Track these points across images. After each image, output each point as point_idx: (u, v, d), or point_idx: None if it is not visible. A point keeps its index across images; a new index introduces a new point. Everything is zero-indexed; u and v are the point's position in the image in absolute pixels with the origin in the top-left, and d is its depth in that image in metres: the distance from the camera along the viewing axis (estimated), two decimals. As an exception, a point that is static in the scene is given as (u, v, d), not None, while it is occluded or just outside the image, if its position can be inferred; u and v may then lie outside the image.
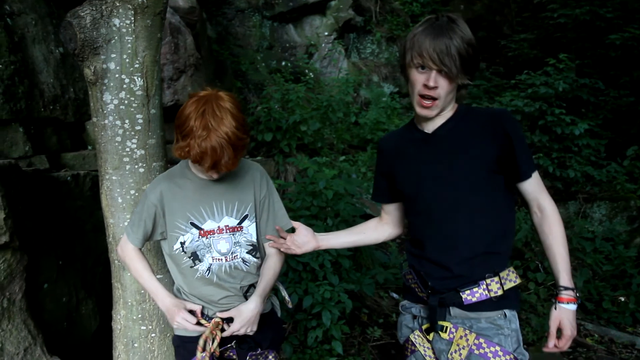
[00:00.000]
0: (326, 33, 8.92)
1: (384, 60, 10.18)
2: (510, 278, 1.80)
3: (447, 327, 1.81)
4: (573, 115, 6.55)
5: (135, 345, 2.32)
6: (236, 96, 1.87)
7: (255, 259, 1.97)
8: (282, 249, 2.03)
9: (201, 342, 1.86)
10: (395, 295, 4.71)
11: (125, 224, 2.23)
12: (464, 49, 1.68)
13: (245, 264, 1.94)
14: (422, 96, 1.75)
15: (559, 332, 1.76)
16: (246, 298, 1.97)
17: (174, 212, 1.86)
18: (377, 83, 9.73)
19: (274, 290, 2.16)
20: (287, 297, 2.14)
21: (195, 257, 1.89)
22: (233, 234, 1.90)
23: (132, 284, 2.29)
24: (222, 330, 1.90)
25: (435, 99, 1.75)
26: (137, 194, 2.22)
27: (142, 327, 2.32)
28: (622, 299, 5.02)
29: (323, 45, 8.84)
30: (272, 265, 2.02)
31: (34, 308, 2.18)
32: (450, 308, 1.81)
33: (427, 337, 1.88)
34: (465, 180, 1.78)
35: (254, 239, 1.95)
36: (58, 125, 2.70)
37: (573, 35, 7.75)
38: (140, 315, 2.30)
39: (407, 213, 2.01)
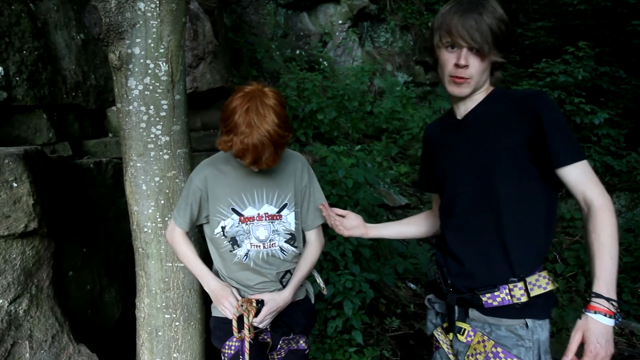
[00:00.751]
0: (340, 21, 8.84)
1: (398, 49, 10.07)
2: (540, 284, 1.61)
3: (465, 329, 1.70)
4: (592, 104, 6.43)
5: (159, 333, 2.31)
6: (280, 92, 1.86)
7: (293, 248, 1.99)
8: (329, 222, 1.99)
9: (234, 323, 1.89)
10: (412, 285, 4.68)
11: (150, 211, 2.22)
12: (495, 25, 1.57)
13: (283, 252, 1.97)
14: (453, 76, 1.64)
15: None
16: (282, 284, 2.00)
17: (217, 197, 1.91)
18: (391, 72, 9.64)
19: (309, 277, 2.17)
20: (322, 284, 2.17)
21: (234, 242, 1.93)
22: (272, 222, 1.93)
23: (156, 272, 2.27)
24: (257, 310, 1.92)
25: (467, 78, 1.64)
26: (161, 181, 2.20)
27: (166, 316, 2.30)
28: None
29: (337, 33, 8.76)
30: (310, 256, 2.05)
31: (60, 295, 2.18)
32: (470, 309, 1.69)
33: (447, 336, 1.80)
34: (490, 169, 1.63)
35: (293, 228, 1.97)
36: (80, 112, 2.68)
37: (593, 22, 7.60)
38: (164, 304, 2.29)
39: (440, 202, 1.89)
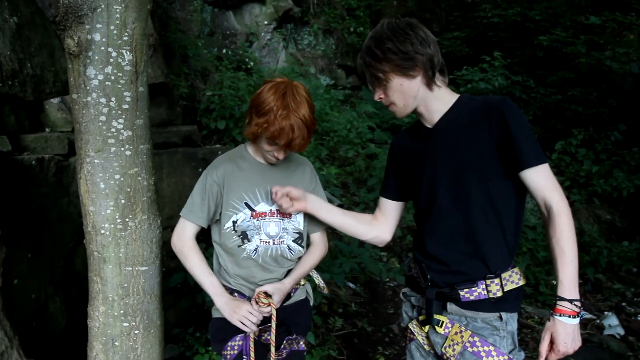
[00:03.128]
0: (265, 22, 8.78)
1: (321, 52, 10.20)
2: (513, 279, 1.74)
3: (443, 321, 1.79)
4: (507, 111, 6.89)
5: (116, 343, 2.13)
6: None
7: (300, 248, 2.03)
8: (277, 201, 1.93)
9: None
10: (351, 284, 4.74)
11: (108, 211, 2.05)
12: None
13: (290, 251, 2.00)
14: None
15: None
16: None
17: (232, 191, 1.93)
18: (314, 75, 9.72)
19: (307, 278, 2.19)
20: (321, 284, 2.18)
21: (244, 236, 1.94)
22: (282, 220, 1.97)
23: (114, 278, 2.10)
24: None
25: (389, 104, 1.81)
26: (122, 179, 2.04)
27: (125, 324, 2.14)
28: (555, 282, 5.39)
29: (262, 34, 8.69)
30: (314, 255, 2.09)
31: (7, 307, 1.93)
32: (448, 303, 1.79)
33: (423, 328, 1.88)
34: (463, 173, 1.74)
35: (301, 227, 2.02)
36: (16, 103, 2.39)
37: (505, 35, 8.20)
38: (122, 311, 2.12)
39: (414, 207, 2.00)
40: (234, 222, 1.93)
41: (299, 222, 2.01)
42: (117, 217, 2.06)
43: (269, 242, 1.95)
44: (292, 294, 2.05)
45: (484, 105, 1.75)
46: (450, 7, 10.65)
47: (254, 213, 1.93)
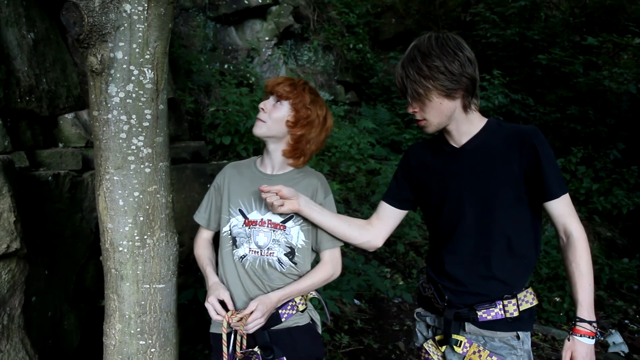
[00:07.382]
0: (267, 38, 8.86)
1: (320, 68, 10.28)
2: (527, 299, 1.81)
3: (461, 341, 1.81)
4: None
5: (132, 362, 2.12)
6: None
7: (291, 263, 1.95)
8: (267, 200, 1.86)
9: (224, 336, 1.88)
10: (356, 301, 4.73)
11: (127, 229, 2.05)
12: (413, 70, 1.71)
13: (280, 264, 1.94)
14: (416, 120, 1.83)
15: None
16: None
17: (230, 196, 2.00)
18: (314, 91, 9.79)
19: (311, 299, 2.12)
20: (327, 314, 2.14)
21: (234, 241, 1.97)
22: (274, 231, 1.93)
23: (131, 295, 2.09)
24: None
25: (421, 120, 1.80)
26: (141, 196, 2.03)
27: (141, 342, 2.12)
28: (558, 299, 5.40)
29: (264, 50, 8.77)
30: (316, 273, 1.98)
31: (27, 324, 1.92)
32: (466, 323, 1.82)
33: (439, 348, 1.89)
34: (489, 197, 1.77)
35: (294, 242, 1.95)
36: (32, 119, 2.39)
37: (503, 54, 8.29)
38: (139, 329, 2.11)
39: (429, 225, 2.03)
40: (230, 227, 1.98)
41: (292, 235, 1.93)
42: (135, 234, 2.05)
43: (257, 252, 1.92)
44: (282, 319, 1.94)
45: (515, 134, 1.79)
46: (448, 25, 10.78)
47: (246, 220, 1.95)
